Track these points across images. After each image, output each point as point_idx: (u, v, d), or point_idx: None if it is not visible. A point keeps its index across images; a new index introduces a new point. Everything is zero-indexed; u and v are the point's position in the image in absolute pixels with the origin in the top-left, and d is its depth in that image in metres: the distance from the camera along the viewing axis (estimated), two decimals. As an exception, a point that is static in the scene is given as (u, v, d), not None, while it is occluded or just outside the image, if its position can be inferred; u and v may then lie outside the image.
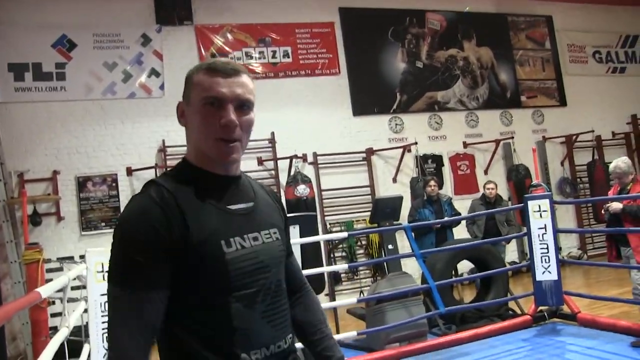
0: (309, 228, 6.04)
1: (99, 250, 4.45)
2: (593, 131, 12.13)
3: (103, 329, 4.16)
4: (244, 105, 1.57)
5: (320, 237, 6.84)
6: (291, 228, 5.83)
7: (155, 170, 8.86)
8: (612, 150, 12.21)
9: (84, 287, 4.49)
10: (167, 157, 9.06)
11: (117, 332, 1.40)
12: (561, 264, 6.36)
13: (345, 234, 6.38)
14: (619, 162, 5.65)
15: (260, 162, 9.60)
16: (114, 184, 8.90)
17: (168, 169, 1.85)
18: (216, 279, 1.47)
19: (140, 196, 1.50)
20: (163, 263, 1.42)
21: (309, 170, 9.76)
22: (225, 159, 1.55)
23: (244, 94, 1.55)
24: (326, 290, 7.48)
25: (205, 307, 1.47)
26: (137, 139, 9.10)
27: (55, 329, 3.46)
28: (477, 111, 11.47)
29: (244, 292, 1.50)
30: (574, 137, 11.95)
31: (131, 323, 1.39)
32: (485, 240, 7.32)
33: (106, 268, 4.22)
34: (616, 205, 5.58)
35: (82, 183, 8.77)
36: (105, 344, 4.07)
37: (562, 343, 5.76)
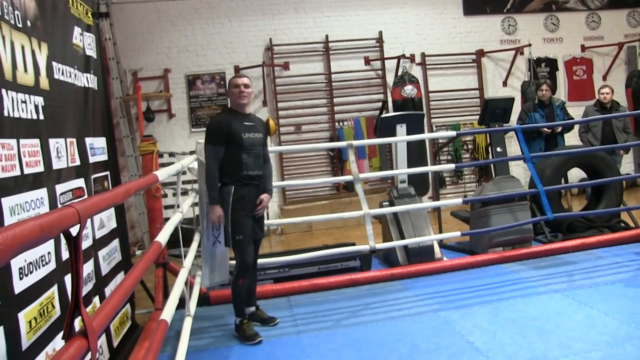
0: (415, 127, 5.96)
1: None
2: None
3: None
4: (247, 86, 4.23)
5: (427, 136, 6.74)
6: (398, 127, 5.84)
7: (263, 68, 8.97)
8: None
9: (195, 181, 4.72)
10: (274, 55, 9.12)
11: (209, 160, 4.13)
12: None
13: (453, 133, 6.24)
14: None
15: (367, 61, 9.48)
16: (222, 82, 9.13)
17: (228, 105, 4.65)
18: (239, 145, 4.12)
19: (217, 115, 5.18)
20: (222, 137, 4.10)
21: (416, 71, 9.55)
22: (244, 102, 4.22)
23: (246, 81, 4.22)
24: (430, 193, 7.46)
25: (234, 155, 4.11)
26: (244, 37, 9.19)
27: (168, 220, 3.69)
28: (599, 11, 10.57)
29: (248, 151, 4.15)
30: None
31: (212, 156, 4.11)
32: (601, 147, 6.95)
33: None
34: None
35: (191, 81, 9.06)
36: (215, 232, 4.46)
37: (680, 258, 5.48)
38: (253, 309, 4.46)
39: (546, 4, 10.39)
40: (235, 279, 4.20)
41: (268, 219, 8.73)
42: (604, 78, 10.44)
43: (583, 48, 10.54)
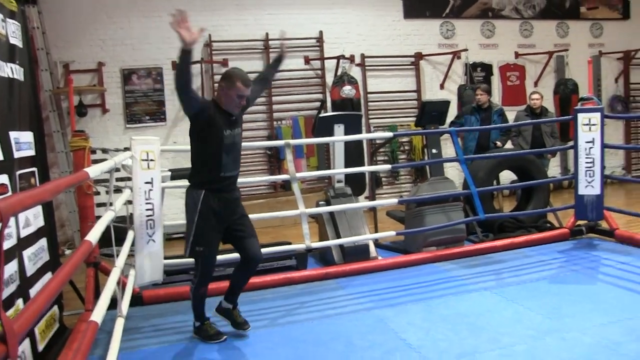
0: (353, 127, 6.02)
1: (144, 139, 4.54)
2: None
3: (147, 216, 4.33)
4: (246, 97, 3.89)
5: (364, 136, 6.81)
6: (336, 127, 5.87)
7: (201, 65, 8.83)
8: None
9: (129, 178, 4.61)
10: (213, 52, 9.00)
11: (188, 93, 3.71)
12: (605, 180, 6.25)
13: (390, 134, 6.36)
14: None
15: (307, 61, 9.50)
16: (159, 78, 8.94)
17: (215, 96, 4.74)
18: (218, 141, 3.84)
19: (208, 99, 4.13)
20: (204, 112, 3.78)
21: (356, 72, 9.63)
22: (236, 111, 3.91)
23: (248, 93, 3.89)
24: (366, 193, 7.55)
25: (212, 154, 3.86)
26: (183, 32, 8.99)
27: (100, 218, 3.59)
28: (532, 20, 10.97)
29: (228, 151, 3.89)
30: (633, 53, 11.42)
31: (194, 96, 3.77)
32: (531, 150, 7.22)
33: (151, 157, 4.39)
34: None
35: (127, 76, 8.82)
36: (149, 231, 4.32)
37: (597, 257, 5.77)
38: (230, 306, 4.17)
39: (483, 10, 10.69)
40: (196, 287, 4.00)
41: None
42: (535, 84, 10.83)
43: (517, 55, 10.91)
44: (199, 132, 3.84)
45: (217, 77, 9.01)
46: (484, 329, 3.96)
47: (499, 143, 7.27)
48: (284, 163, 8.77)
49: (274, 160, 9.30)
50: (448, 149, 8.67)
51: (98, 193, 6.78)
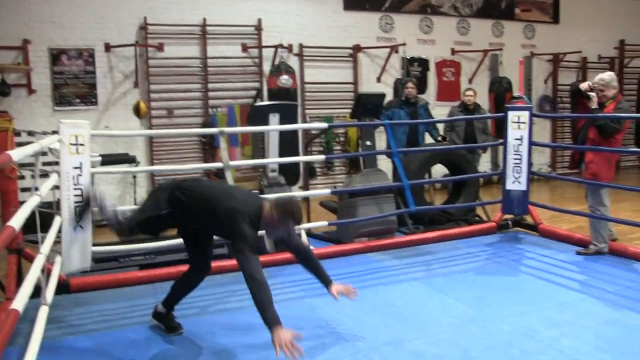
0: (289, 117, 6.00)
1: (73, 122, 4.37)
2: (581, 52, 12.11)
3: (75, 202, 4.20)
4: None
5: (299, 126, 6.81)
6: (271, 116, 5.83)
7: (136, 48, 8.58)
8: (596, 73, 12.04)
9: (56, 163, 4.43)
10: (149, 35, 8.76)
11: (252, 265, 3.34)
12: (531, 176, 6.48)
13: (325, 125, 6.37)
14: (603, 74, 5.62)
15: (245, 48, 9.37)
16: (90, 59, 8.61)
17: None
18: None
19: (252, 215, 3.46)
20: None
21: (293, 62, 9.59)
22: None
23: None
24: (300, 183, 7.54)
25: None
26: (117, 13, 8.68)
27: (24, 203, 3.42)
28: (469, 19, 11.23)
29: None
30: (562, 56, 11.89)
31: (254, 261, 3.36)
32: (463, 145, 7.40)
33: (80, 141, 4.22)
34: (585, 84, 5.66)
35: (56, 55, 8.44)
36: (77, 217, 4.20)
37: (521, 250, 6.01)
38: (164, 310, 3.97)
39: (422, 6, 10.85)
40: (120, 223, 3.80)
41: (135, 204, 8.42)
42: (470, 81, 11.10)
43: (453, 51, 11.14)
44: None
45: (152, 62, 8.79)
46: (411, 318, 4.05)
47: (444, 137, 7.47)
48: (219, 151, 8.68)
49: (208, 148, 9.17)
50: (383, 141, 8.78)
51: (23, 177, 6.49)
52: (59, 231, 4.21)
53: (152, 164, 8.75)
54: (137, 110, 8.08)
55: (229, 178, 5.39)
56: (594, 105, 5.50)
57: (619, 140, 5.58)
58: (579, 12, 12.31)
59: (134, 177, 8.44)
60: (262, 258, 5.44)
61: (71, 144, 4.24)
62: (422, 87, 10.23)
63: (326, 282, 3.77)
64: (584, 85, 5.66)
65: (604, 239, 5.60)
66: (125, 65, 8.69)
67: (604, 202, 5.56)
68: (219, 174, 8.78)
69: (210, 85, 9.17)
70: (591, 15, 12.45)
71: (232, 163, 5.59)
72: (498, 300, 4.39)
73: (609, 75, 5.55)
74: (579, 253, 5.69)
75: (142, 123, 8.65)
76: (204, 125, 9.02)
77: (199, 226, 3.66)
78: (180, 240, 5.17)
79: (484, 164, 10.70)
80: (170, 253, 5.39)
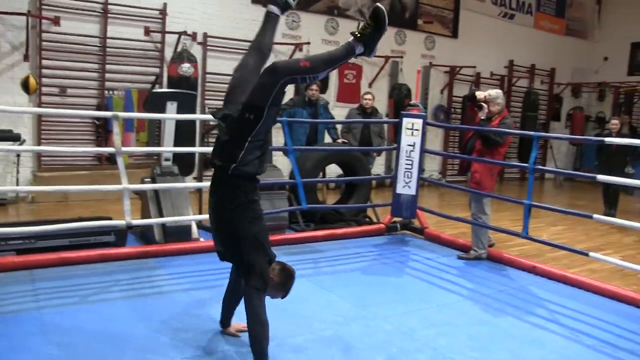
0: (187, 106, 5.88)
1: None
2: (475, 67, 12.79)
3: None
4: None
5: (196, 116, 6.70)
6: (169, 104, 5.71)
7: (27, 19, 8.01)
8: (487, 88, 12.79)
9: None
10: (43, 6, 8.21)
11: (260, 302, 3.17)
12: (421, 182, 6.76)
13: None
14: (491, 90, 6.00)
15: (147, 32, 9.06)
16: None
17: None
18: None
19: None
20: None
21: (196, 51, 9.38)
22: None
23: None
24: (195, 174, 7.43)
25: None
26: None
27: None
28: (374, 25, 11.49)
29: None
30: (458, 69, 12.49)
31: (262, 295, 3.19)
32: (357, 147, 7.58)
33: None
34: (482, 94, 5.97)
35: None
36: None
37: (407, 252, 6.24)
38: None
39: (330, 7, 10.99)
40: None
41: (18, 184, 7.95)
42: (370, 85, 11.37)
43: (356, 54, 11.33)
44: None
45: (46, 35, 8.29)
46: (296, 314, 4.09)
47: (344, 140, 7.61)
48: (112, 135, 8.37)
49: (102, 131, 8.79)
50: (281, 138, 8.80)
51: None
52: None
53: (39, 143, 8.24)
54: (25, 86, 7.62)
55: (121, 164, 5.21)
56: (483, 116, 5.83)
57: (501, 153, 5.96)
58: (476, 29, 12.99)
59: (18, 156, 7.94)
60: (151, 248, 5.39)
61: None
62: (323, 87, 10.35)
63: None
64: (480, 95, 5.96)
65: (484, 245, 5.96)
66: (15, 36, 8.12)
67: (486, 210, 5.91)
68: (112, 158, 8.48)
69: (108, 67, 8.77)
70: (486, 34, 13.20)
71: (124, 149, 5.43)
72: (382, 300, 4.55)
73: (495, 92, 5.91)
74: (460, 257, 6.02)
75: (31, 99, 8.15)
76: (98, 108, 8.64)
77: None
78: (62, 225, 5.01)
79: (379, 167, 11.04)
80: (51, 238, 5.12)
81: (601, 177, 5.41)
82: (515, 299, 4.84)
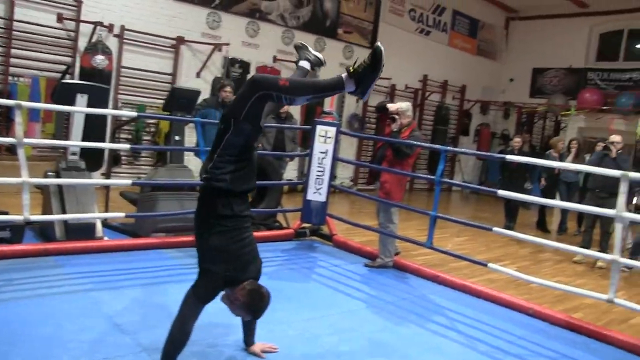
0: (98, 100, 5.68)
1: None
2: (391, 79, 13.13)
3: None
4: None
5: (107, 111, 6.50)
6: (79, 96, 5.51)
7: None
8: (401, 99, 13.21)
9: None
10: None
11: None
12: (332, 189, 6.86)
13: (134, 114, 6.19)
14: (402, 103, 6.23)
15: (60, 19, 8.68)
16: None
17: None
18: None
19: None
20: None
21: (112, 43, 9.11)
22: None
23: None
24: (103, 169, 7.20)
25: None
26: None
27: None
28: (295, 30, 11.62)
29: None
30: (374, 79, 12.77)
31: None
32: (269, 152, 7.58)
33: None
34: (394, 106, 6.16)
35: None
36: None
37: (315, 258, 6.31)
38: None
39: (252, 10, 10.98)
40: None
41: None
42: (287, 90, 11.41)
43: (275, 59, 11.42)
44: None
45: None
46: (200, 319, 4.03)
47: (257, 144, 7.54)
48: (15, 125, 7.96)
49: (2, 119, 8.35)
50: (194, 138, 8.70)
51: None
52: None
53: None
54: None
55: (22, 155, 4.97)
56: (395, 127, 6.02)
57: (410, 164, 6.17)
58: (393, 42, 13.31)
59: None
60: (50, 245, 5.17)
61: None
62: (239, 88, 10.32)
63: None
64: (392, 107, 6.13)
65: (390, 254, 6.13)
66: None
67: (394, 219, 6.09)
68: (12, 149, 8.06)
69: (13, 52, 8.33)
70: (403, 48, 13.60)
71: (27, 140, 5.17)
72: (287, 306, 4.53)
73: (406, 105, 6.14)
74: (366, 265, 6.15)
75: None
76: (0, 94, 8.21)
77: None
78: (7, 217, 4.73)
79: (292, 172, 11.11)
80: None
81: (502, 193, 5.70)
82: (417, 306, 5.00)
